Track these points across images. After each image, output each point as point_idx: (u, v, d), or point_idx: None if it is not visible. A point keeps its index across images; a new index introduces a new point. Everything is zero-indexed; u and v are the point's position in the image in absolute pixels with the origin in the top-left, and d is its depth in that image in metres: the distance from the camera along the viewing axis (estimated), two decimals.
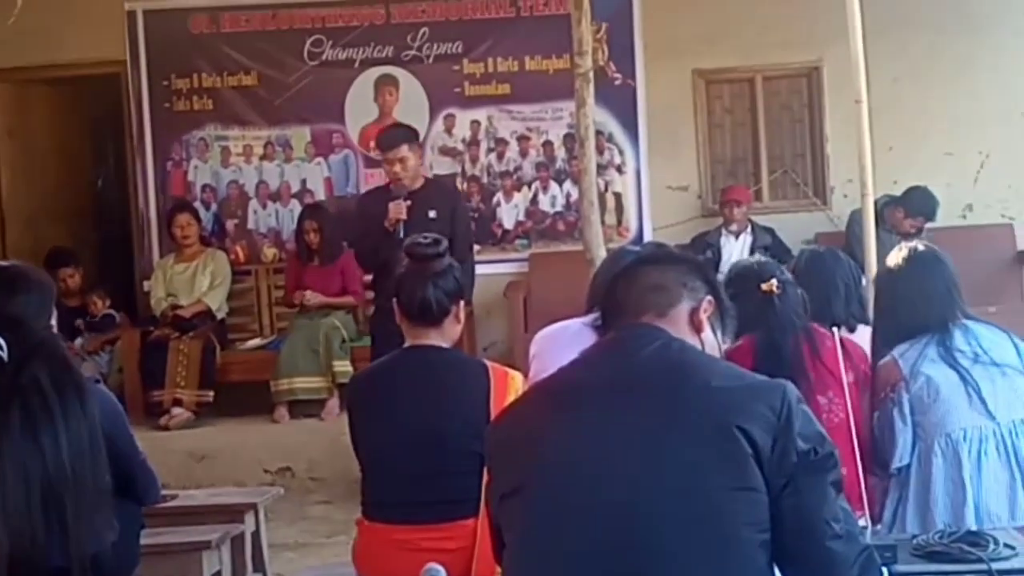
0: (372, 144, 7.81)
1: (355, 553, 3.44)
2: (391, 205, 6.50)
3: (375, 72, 8.68)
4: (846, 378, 3.56)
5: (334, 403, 7.68)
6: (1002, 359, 3.62)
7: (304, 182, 8.76)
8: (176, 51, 8.64)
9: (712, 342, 2.27)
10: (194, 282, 8.20)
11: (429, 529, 3.24)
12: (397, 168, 6.60)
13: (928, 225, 7.87)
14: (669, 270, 2.31)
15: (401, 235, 6.12)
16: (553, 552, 2.07)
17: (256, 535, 5.31)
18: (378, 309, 6.75)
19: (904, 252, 3.82)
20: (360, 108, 8.60)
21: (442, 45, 8.67)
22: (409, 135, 6.91)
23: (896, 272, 3.80)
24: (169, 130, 8.70)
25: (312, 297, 7.85)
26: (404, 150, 6.65)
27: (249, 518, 5.24)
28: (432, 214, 6.50)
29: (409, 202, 6.52)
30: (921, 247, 3.86)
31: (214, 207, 8.76)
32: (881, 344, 3.71)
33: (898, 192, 7.97)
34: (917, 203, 7.73)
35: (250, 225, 8.78)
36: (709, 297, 2.27)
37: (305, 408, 7.81)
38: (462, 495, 3.17)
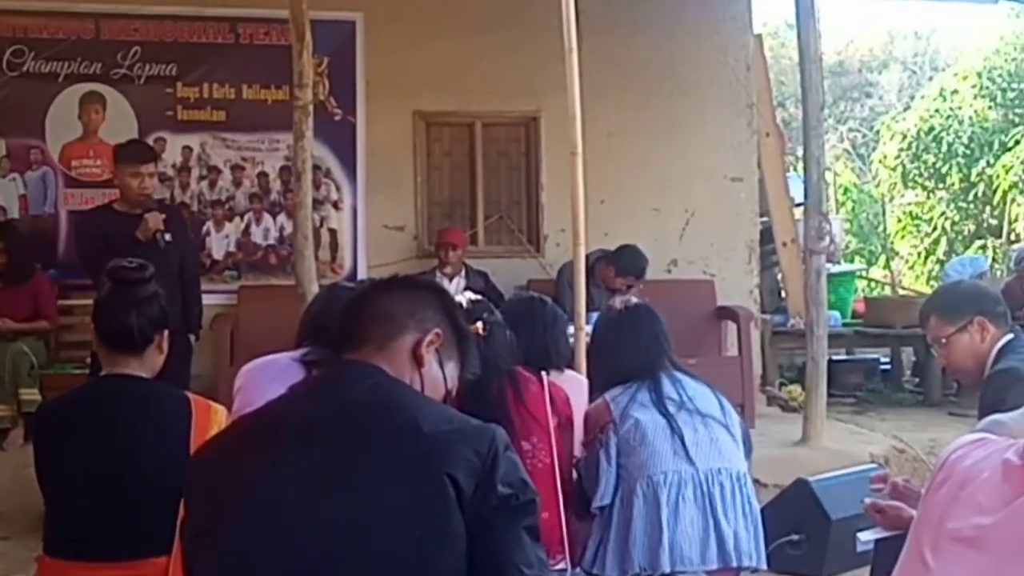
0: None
1: None
2: (148, 216, 6.29)
3: (81, 88, 8.32)
4: (552, 422, 3.59)
5: (18, 433, 7.27)
6: (706, 409, 3.80)
7: None
8: None
9: (435, 377, 2.19)
10: None
11: (117, 567, 3.07)
12: (147, 181, 6.37)
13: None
14: (401, 298, 2.22)
15: (163, 245, 6.13)
16: None
17: None
18: None
19: (620, 304, 4.10)
20: (62, 124, 8.22)
21: (155, 66, 8.40)
22: (155, 155, 6.80)
23: (612, 321, 4.05)
24: None
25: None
26: (153, 166, 6.48)
27: None
28: (167, 237, 6.28)
29: (164, 215, 6.34)
30: (635, 300, 4.14)
31: None
32: (595, 388, 3.84)
33: (609, 243, 8.19)
34: (628, 262, 7.93)
35: None
36: (438, 329, 2.19)
37: None
38: (155, 532, 3.01)
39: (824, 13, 7.89)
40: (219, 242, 8.55)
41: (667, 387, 3.80)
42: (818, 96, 7.63)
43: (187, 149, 8.48)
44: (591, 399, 3.83)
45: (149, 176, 6.41)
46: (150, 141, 8.33)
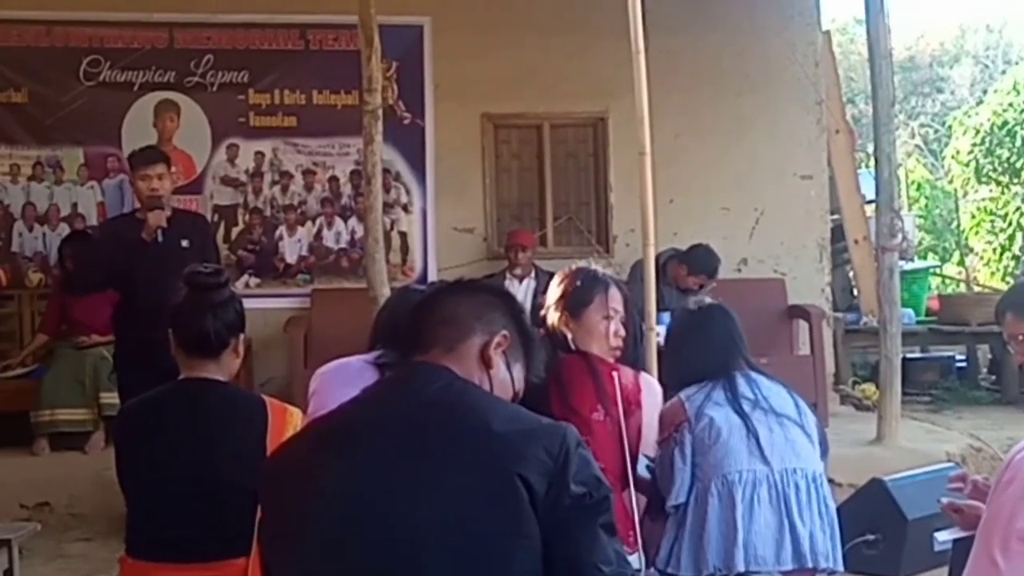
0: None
1: None
2: (151, 214, 6.32)
3: (155, 97, 8.46)
4: (623, 419, 3.59)
5: (100, 436, 7.40)
6: (781, 409, 3.78)
7: (75, 206, 8.44)
8: None
9: (503, 379, 2.19)
10: None
11: (197, 568, 3.10)
12: (155, 183, 6.45)
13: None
14: (466, 301, 2.24)
15: (160, 240, 6.15)
16: None
17: (9, 573, 5.03)
18: (123, 339, 6.52)
19: (694, 303, 4.11)
20: (138, 132, 8.33)
21: (227, 73, 8.51)
22: (165, 157, 6.79)
23: (687, 320, 4.06)
24: None
25: (85, 340, 7.58)
26: (162, 168, 6.52)
27: (2, 555, 4.96)
28: (184, 243, 6.35)
29: (169, 212, 6.38)
30: (710, 300, 4.13)
31: None
32: (669, 387, 3.84)
33: (678, 243, 8.17)
34: (701, 261, 7.89)
35: (14, 248, 8.40)
36: (504, 332, 2.20)
37: (68, 441, 7.49)
38: (233, 533, 3.04)
39: (893, 8, 7.85)
40: (292, 246, 8.64)
41: (742, 386, 3.79)
42: (888, 92, 7.55)
43: (259, 155, 8.59)
44: (665, 398, 3.83)
45: (158, 178, 6.42)
46: (223, 148, 8.49)
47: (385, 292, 5.99)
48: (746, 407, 3.74)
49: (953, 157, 18.49)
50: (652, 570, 3.65)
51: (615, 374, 3.65)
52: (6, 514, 6.76)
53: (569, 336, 3.73)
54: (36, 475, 7.24)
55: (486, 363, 2.18)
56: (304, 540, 2.03)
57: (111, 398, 7.29)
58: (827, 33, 10.04)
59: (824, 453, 3.88)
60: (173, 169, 6.97)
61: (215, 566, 3.11)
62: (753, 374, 3.87)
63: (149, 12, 8.39)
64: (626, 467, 3.54)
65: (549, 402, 3.48)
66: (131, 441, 3.28)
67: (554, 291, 3.87)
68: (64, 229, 8.32)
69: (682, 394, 3.80)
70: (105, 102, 8.37)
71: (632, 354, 4.06)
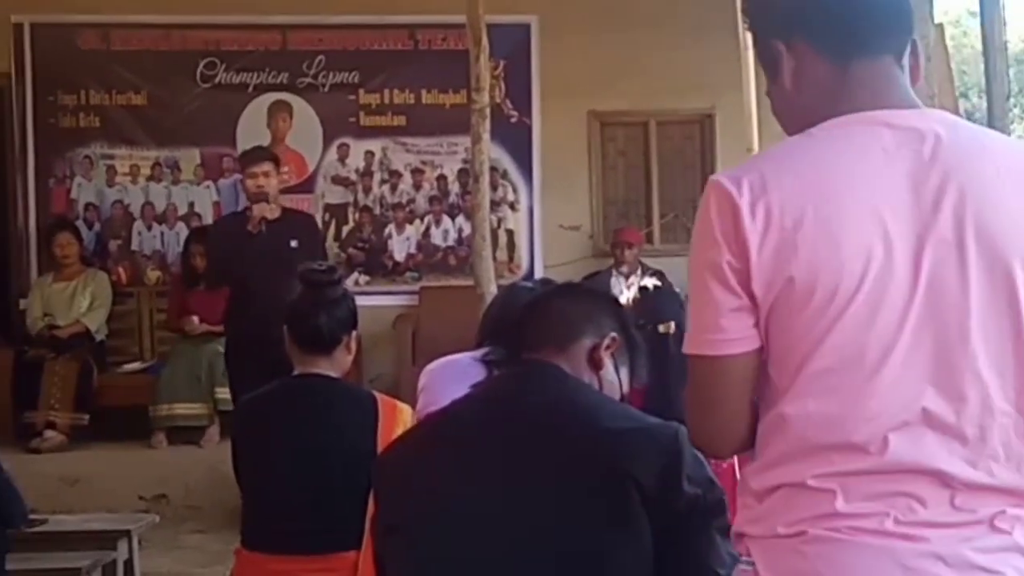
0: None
1: None
2: (255, 207, 6.54)
3: (269, 98, 8.62)
4: None
5: (215, 430, 7.56)
6: None
7: (192, 205, 8.63)
8: (64, 67, 8.48)
9: (612, 381, 2.21)
10: (72, 302, 8.01)
11: (309, 560, 3.16)
12: (261, 180, 6.62)
13: None
14: (576, 304, 2.27)
15: (264, 231, 6.36)
16: None
17: (129, 563, 5.18)
18: (235, 335, 6.70)
19: None
20: (253, 133, 8.50)
21: (338, 74, 8.64)
22: (272, 156, 6.99)
23: None
24: (53, 146, 8.52)
25: (197, 326, 7.74)
26: (268, 165, 6.69)
27: (122, 545, 5.11)
28: (293, 243, 6.49)
29: (278, 212, 6.58)
30: None
31: (97, 226, 8.58)
32: None
33: None
34: None
35: (134, 246, 8.62)
36: (614, 334, 2.21)
37: (184, 435, 7.67)
38: (344, 527, 3.10)
39: None
40: (400, 244, 8.75)
41: None
42: (1003, 86, 7.39)
43: (369, 154, 8.70)
44: None
45: (264, 175, 6.63)
46: (334, 147, 8.63)
47: (492, 290, 6.03)
48: None
49: None
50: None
51: None
52: (126, 505, 6.96)
53: None
54: (154, 468, 7.43)
55: (596, 364, 2.19)
56: (416, 535, 2.07)
57: (226, 393, 7.45)
58: (940, 26, 9.83)
59: None
60: (284, 169, 7.13)
61: (326, 559, 3.16)
62: None
63: (263, 15, 8.56)
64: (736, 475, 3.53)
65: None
66: (247, 436, 3.37)
67: None
68: (181, 228, 8.52)
69: None
70: (221, 104, 8.56)
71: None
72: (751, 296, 1.69)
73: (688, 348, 1.76)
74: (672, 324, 3.41)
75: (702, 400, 1.77)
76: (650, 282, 3.77)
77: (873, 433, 1.65)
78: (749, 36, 5.39)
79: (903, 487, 1.64)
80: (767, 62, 1.86)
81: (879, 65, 1.80)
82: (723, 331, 1.70)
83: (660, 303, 3.75)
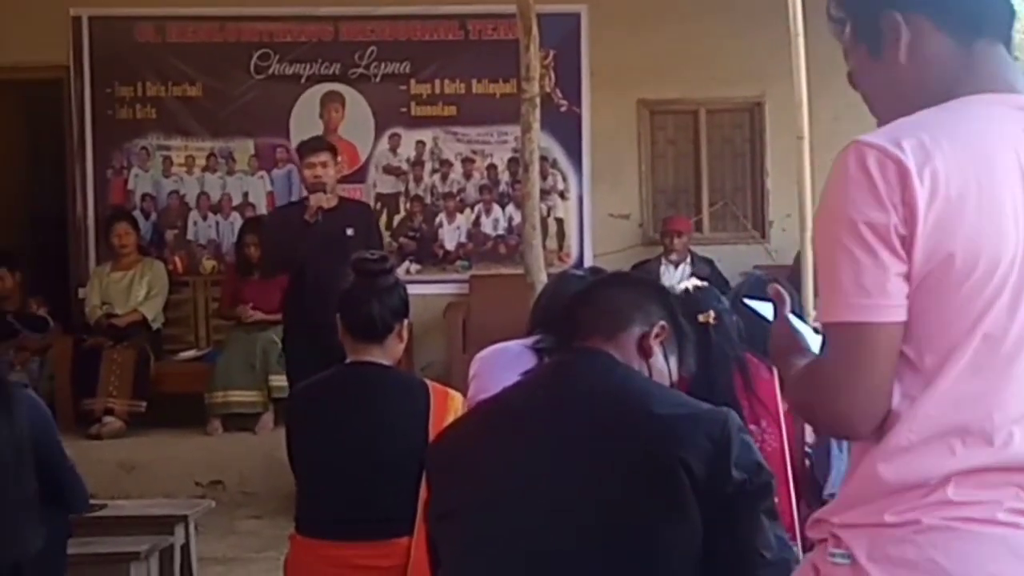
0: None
1: (287, 568, 3.40)
2: (313, 196, 6.62)
3: (321, 88, 8.69)
4: (782, 407, 3.59)
5: (269, 418, 7.64)
6: None
7: (246, 195, 8.73)
8: (121, 59, 8.60)
9: (661, 369, 2.23)
10: (130, 291, 8.13)
11: (363, 546, 3.21)
12: (319, 170, 6.69)
13: None
14: (626, 292, 2.30)
15: (320, 220, 6.46)
16: None
17: (186, 548, 5.26)
18: (292, 323, 6.79)
19: None
20: (305, 123, 8.57)
21: (390, 64, 8.69)
22: (330, 146, 7.06)
23: None
24: (110, 138, 8.64)
25: (251, 313, 7.83)
26: (326, 155, 6.76)
27: (179, 530, 5.19)
28: (349, 232, 6.56)
29: (336, 200, 6.69)
30: None
31: (153, 216, 8.70)
32: None
33: None
34: None
35: (189, 236, 8.73)
36: (663, 323, 2.24)
37: (239, 422, 7.75)
38: (398, 513, 3.15)
39: None
40: (451, 233, 8.80)
41: None
42: None
43: (420, 144, 8.75)
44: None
45: (322, 165, 6.71)
46: (385, 137, 8.69)
47: (542, 278, 6.05)
48: None
49: None
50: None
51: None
52: (182, 491, 7.07)
53: None
54: (210, 454, 7.53)
55: (645, 352, 2.21)
56: (469, 521, 2.10)
57: (280, 380, 7.52)
58: None
59: None
60: (339, 159, 7.20)
61: (379, 545, 3.20)
62: None
63: (316, 6, 8.62)
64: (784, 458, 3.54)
65: (734, 389, 3.49)
66: (301, 423, 3.41)
67: None
68: (236, 218, 8.62)
69: None
70: (274, 94, 8.64)
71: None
72: (911, 264, 1.62)
73: (837, 315, 1.66)
74: (711, 313, 3.41)
75: (842, 373, 1.66)
76: (690, 283, 3.75)
77: (1001, 423, 1.63)
78: (800, 23, 5.33)
79: (1014, 479, 1.64)
80: (870, 37, 1.82)
81: (998, 49, 1.78)
82: (888, 296, 1.62)
83: (698, 296, 3.72)
